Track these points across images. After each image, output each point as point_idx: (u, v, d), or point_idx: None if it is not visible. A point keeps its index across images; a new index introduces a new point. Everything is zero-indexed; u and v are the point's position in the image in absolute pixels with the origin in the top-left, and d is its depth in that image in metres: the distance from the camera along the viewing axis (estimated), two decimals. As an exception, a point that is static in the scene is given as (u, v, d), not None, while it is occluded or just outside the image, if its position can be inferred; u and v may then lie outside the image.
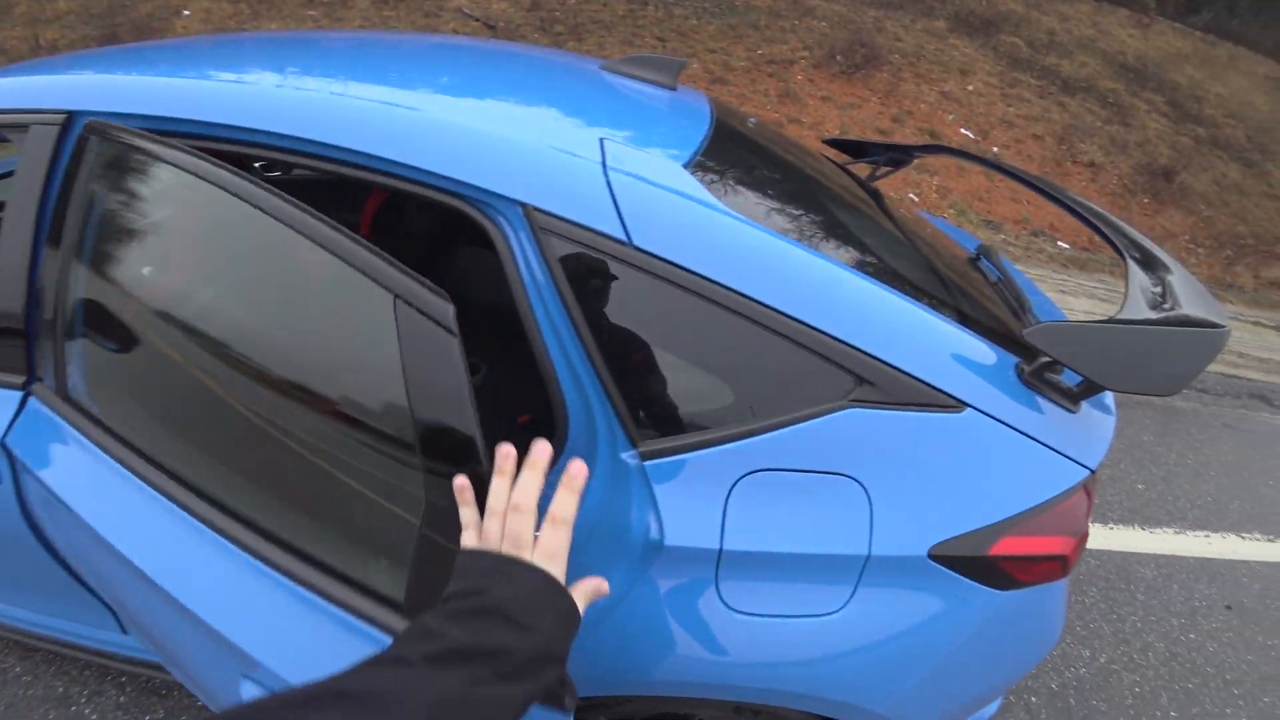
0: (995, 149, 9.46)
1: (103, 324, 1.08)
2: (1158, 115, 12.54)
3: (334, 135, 0.92)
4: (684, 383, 0.93)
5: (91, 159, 1.01)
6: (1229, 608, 2.55)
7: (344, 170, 0.92)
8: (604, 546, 0.92)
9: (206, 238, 1.04)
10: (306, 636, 0.91)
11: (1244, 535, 3.02)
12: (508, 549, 0.64)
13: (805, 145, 1.81)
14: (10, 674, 1.65)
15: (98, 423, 1.05)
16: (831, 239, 1.16)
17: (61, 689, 1.63)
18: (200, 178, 0.91)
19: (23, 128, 1.05)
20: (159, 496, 0.98)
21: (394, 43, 1.43)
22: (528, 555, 0.64)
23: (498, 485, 0.68)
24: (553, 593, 0.63)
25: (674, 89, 1.40)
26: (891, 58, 10.35)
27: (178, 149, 0.93)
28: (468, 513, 0.69)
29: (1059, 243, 7.36)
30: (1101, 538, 2.74)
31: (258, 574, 0.93)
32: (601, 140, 0.95)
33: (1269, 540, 3.05)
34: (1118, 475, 3.19)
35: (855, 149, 1.99)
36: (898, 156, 1.93)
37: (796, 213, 1.17)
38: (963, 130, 9.50)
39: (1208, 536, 2.94)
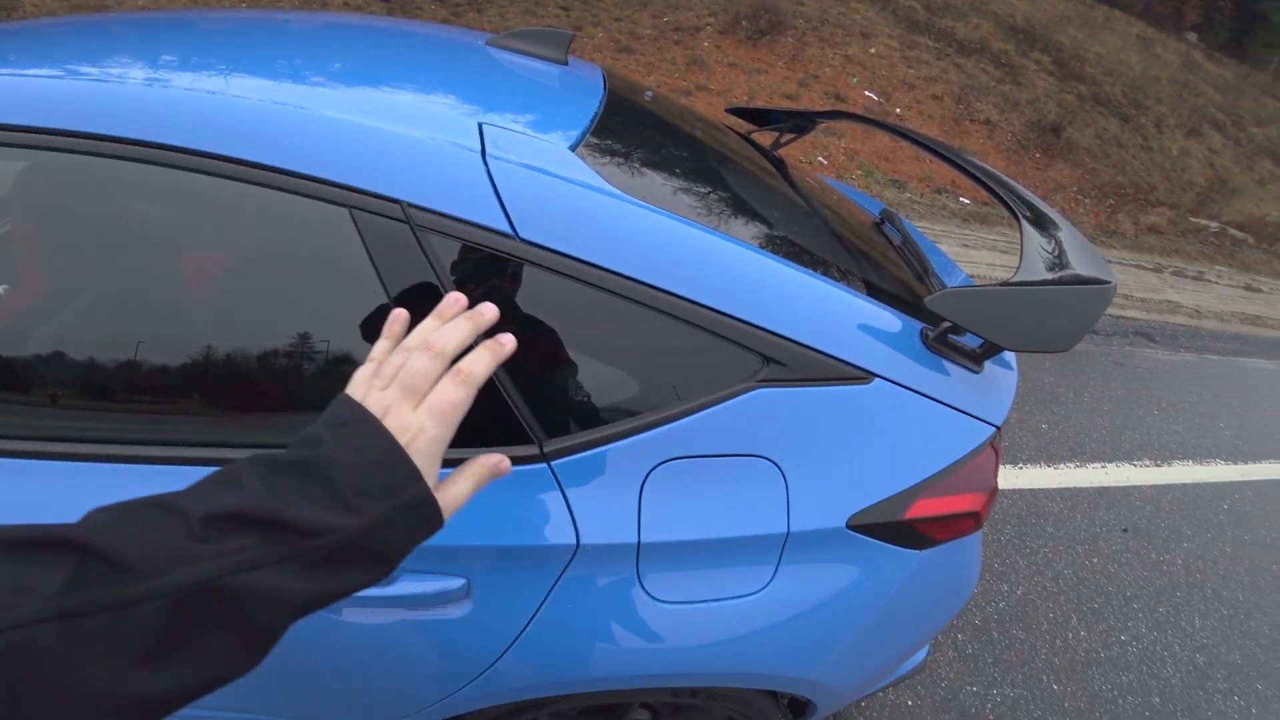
0: (898, 110, 9.76)
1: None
2: (1045, 74, 13.24)
3: (179, 137, 0.79)
4: (586, 377, 0.88)
5: None
6: (1125, 530, 2.77)
7: (192, 172, 0.80)
8: (519, 551, 0.88)
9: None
10: None
11: (1135, 463, 3.27)
12: (393, 393, 0.49)
13: (706, 117, 1.78)
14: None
15: None
16: (732, 216, 1.13)
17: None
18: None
19: None
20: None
21: (261, 24, 1.28)
22: (406, 409, 0.49)
23: (428, 323, 0.55)
24: (402, 474, 0.47)
25: (565, 63, 1.33)
26: (796, 23, 10.45)
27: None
28: (382, 345, 0.55)
29: (961, 199, 7.69)
30: (1013, 478, 2.90)
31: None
32: (481, 125, 0.86)
33: (1157, 465, 3.32)
34: (1024, 417, 3.38)
35: (758, 117, 1.97)
36: (801, 123, 1.93)
37: (695, 191, 1.14)
38: (867, 92, 9.74)
39: (1104, 467, 3.17)
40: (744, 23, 9.53)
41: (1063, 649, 2.14)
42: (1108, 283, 0.98)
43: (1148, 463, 3.30)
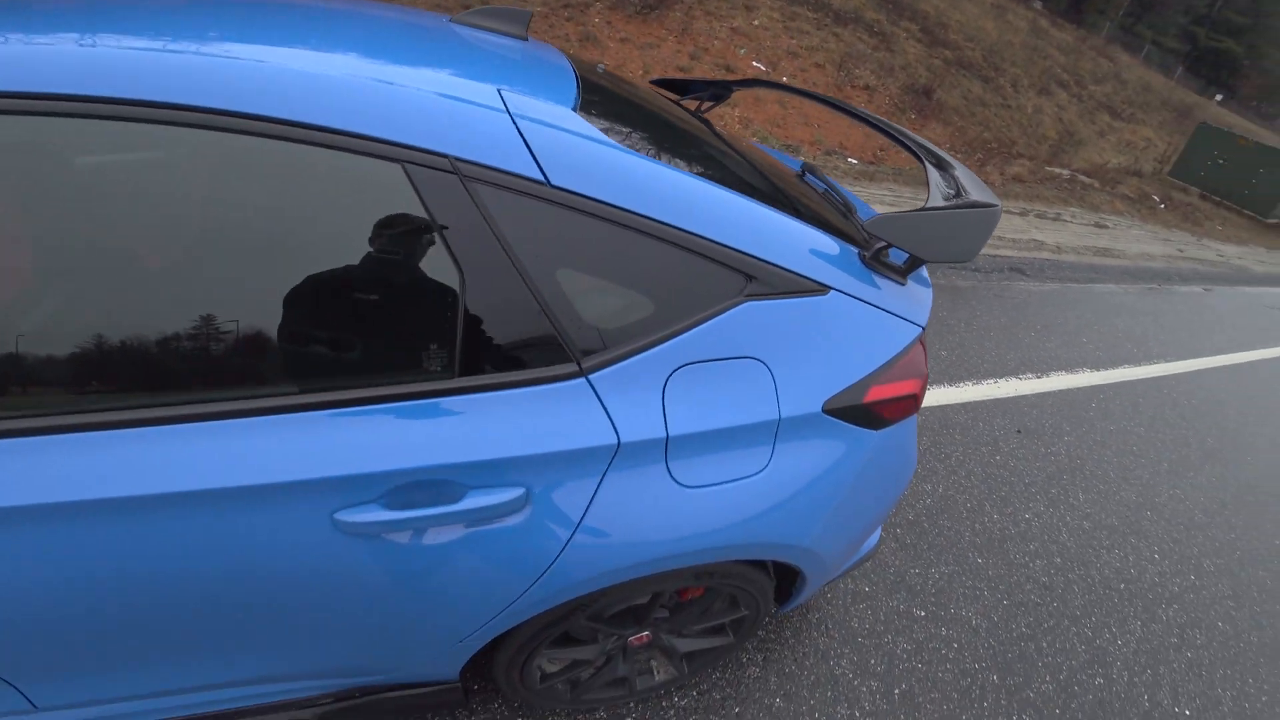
0: (785, 79, 10.23)
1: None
2: (914, 41, 14.17)
3: (237, 101, 0.85)
4: (612, 301, 1.04)
5: None
6: (1019, 431, 3.22)
7: (253, 138, 0.85)
8: (569, 455, 1.03)
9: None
10: (370, 435, 0.92)
11: (1020, 377, 3.77)
12: None
13: (651, 88, 1.94)
14: None
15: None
16: (699, 163, 1.30)
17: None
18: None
19: None
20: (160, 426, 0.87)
21: (267, 6, 1.27)
22: None
23: None
24: None
25: (525, 39, 1.45)
26: (683, -4, 10.69)
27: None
28: None
29: (849, 159, 8.21)
30: (924, 399, 3.30)
31: (307, 421, 0.91)
32: (500, 90, 0.98)
33: (1037, 377, 3.83)
34: (928, 348, 3.81)
35: (680, 88, 2.15)
36: (718, 92, 2.12)
37: (667, 144, 1.30)
38: (755, 63, 10.13)
39: (996, 382, 3.63)
40: (633, -3, 9.65)
41: (981, 530, 2.51)
42: (995, 205, 1.22)
43: (1030, 376, 3.80)
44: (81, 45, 0.81)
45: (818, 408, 1.19)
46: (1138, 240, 8.50)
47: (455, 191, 0.90)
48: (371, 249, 0.90)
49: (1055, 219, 8.12)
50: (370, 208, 0.90)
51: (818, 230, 1.24)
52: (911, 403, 1.33)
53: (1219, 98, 36.72)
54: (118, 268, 0.83)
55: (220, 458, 0.86)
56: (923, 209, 1.19)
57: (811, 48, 11.22)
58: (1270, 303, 7.65)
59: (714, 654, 1.59)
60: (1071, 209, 9.05)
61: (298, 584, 0.96)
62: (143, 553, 0.87)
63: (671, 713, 1.65)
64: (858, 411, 1.24)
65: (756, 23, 11.27)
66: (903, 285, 1.31)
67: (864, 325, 1.24)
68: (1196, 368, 4.76)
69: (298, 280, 0.88)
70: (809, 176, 1.87)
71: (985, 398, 3.43)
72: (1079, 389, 3.84)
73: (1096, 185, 11.05)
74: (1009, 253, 6.10)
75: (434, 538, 0.98)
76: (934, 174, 1.40)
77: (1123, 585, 2.46)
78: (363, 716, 1.30)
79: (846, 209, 1.62)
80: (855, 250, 1.28)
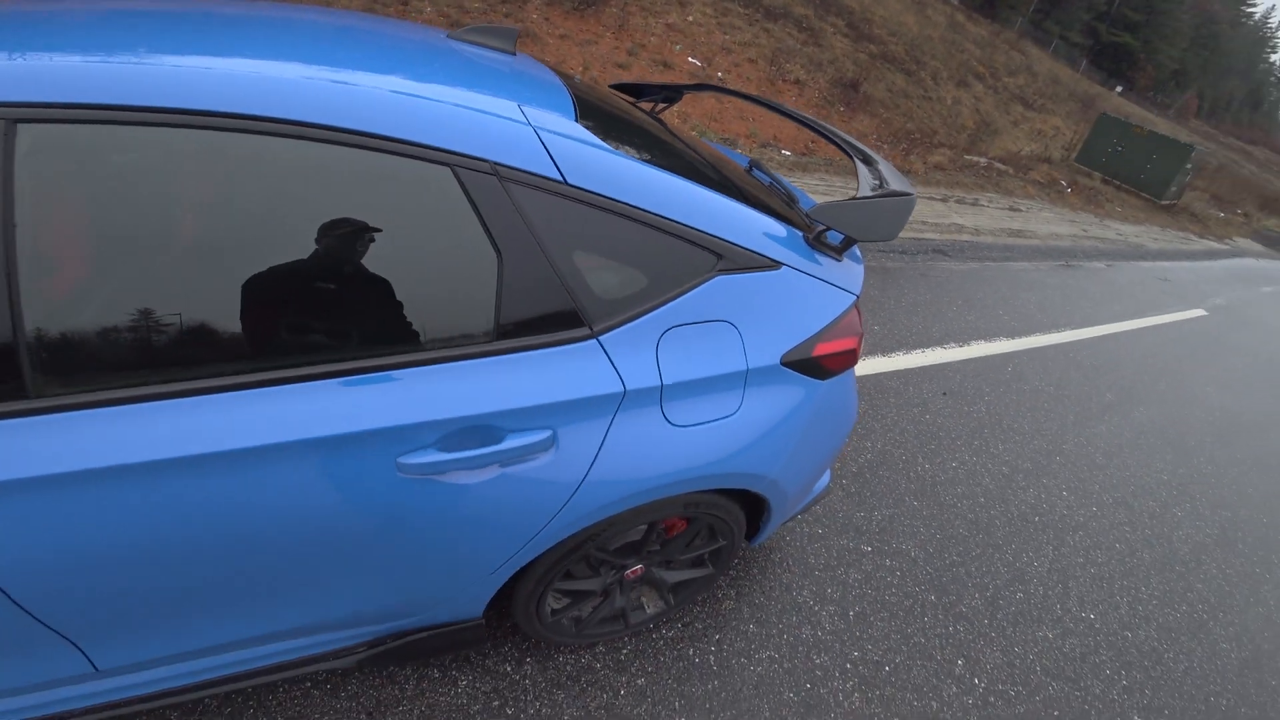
0: (720, 74, 10.55)
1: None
2: (841, 36, 14.77)
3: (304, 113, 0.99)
4: (614, 277, 1.26)
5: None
6: (945, 394, 3.60)
7: (329, 146, 1.00)
8: (586, 401, 1.25)
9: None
10: (427, 390, 1.10)
11: (944, 346, 4.16)
12: None
13: (620, 94, 2.15)
14: None
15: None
16: (671, 161, 1.53)
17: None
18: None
19: None
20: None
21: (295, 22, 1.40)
22: None
23: None
24: None
25: (514, 54, 1.64)
26: (618, -7, 10.88)
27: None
28: None
29: (783, 151, 8.60)
30: (859, 369, 3.62)
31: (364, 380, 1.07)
32: (520, 107, 1.17)
33: (959, 346, 4.24)
34: (862, 316, 4.16)
35: (636, 91, 2.38)
36: (670, 95, 2.36)
37: (645, 146, 1.52)
38: (690, 59, 10.43)
39: (923, 351, 4.01)
40: (570, -6, 9.78)
41: (915, 478, 2.84)
42: (911, 194, 1.50)
43: (953, 345, 4.21)
44: (220, 68, 0.98)
45: (777, 360, 1.44)
46: (1048, 222, 9.22)
47: (496, 190, 1.11)
48: (432, 237, 1.09)
49: (974, 204, 8.73)
50: (427, 203, 1.09)
51: (769, 217, 1.49)
52: (851, 357, 1.60)
53: (1119, 89, 39.45)
54: (235, 250, 0.99)
55: (310, 414, 1.04)
56: (853, 198, 1.46)
57: (744, 43, 11.58)
58: (1161, 275, 8.46)
59: (697, 585, 1.83)
60: (988, 194, 9.71)
61: (361, 527, 1.14)
62: (239, 502, 1.04)
63: (661, 643, 1.88)
64: (808, 364, 1.50)
65: (691, 19, 11.55)
66: (839, 261, 1.57)
67: (810, 294, 1.50)
68: (1099, 334, 5.31)
69: (377, 264, 1.07)
70: (755, 171, 2.12)
71: (914, 365, 3.80)
72: (997, 355, 4.28)
73: (1011, 172, 11.84)
74: (932, 236, 6.57)
75: (478, 476, 1.18)
76: (862, 168, 1.68)
77: (1036, 518, 2.84)
78: (396, 659, 1.48)
79: (789, 199, 1.88)
80: (799, 233, 1.54)
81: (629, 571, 1.66)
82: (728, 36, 11.58)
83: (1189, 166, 14.42)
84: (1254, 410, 4.80)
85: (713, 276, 1.35)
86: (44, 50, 0.93)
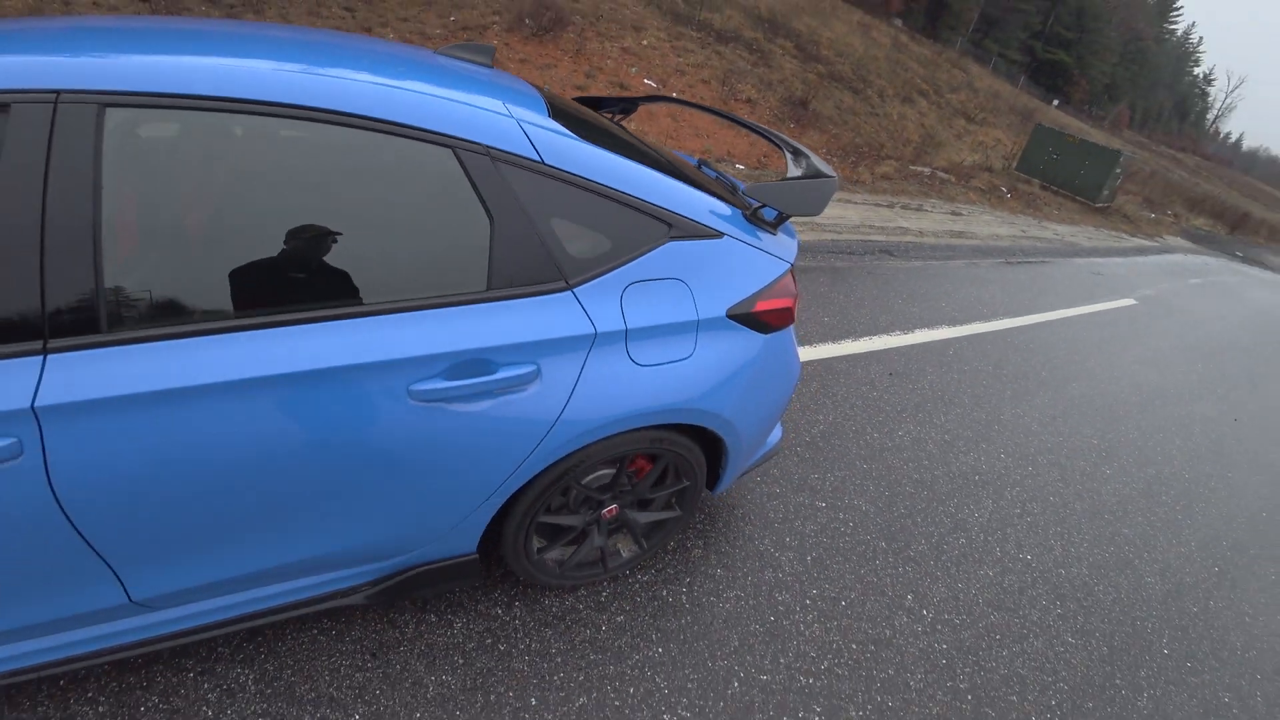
0: (675, 93, 10.99)
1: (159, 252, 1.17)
2: (789, 57, 15.43)
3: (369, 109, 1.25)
4: (585, 240, 1.48)
5: (89, 131, 1.07)
6: (891, 374, 3.88)
7: (363, 132, 1.25)
8: (565, 340, 1.44)
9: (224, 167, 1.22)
10: (436, 328, 1.32)
11: (890, 334, 4.46)
12: None
13: (577, 102, 2.41)
14: None
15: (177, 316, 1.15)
16: (630, 151, 1.77)
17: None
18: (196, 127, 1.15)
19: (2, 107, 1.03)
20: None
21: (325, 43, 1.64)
22: None
23: None
24: None
25: (492, 67, 1.89)
26: (574, 19, 11.26)
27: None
28: None
29: (737, 164, 8.99)
30: (811, 354, 3.87)
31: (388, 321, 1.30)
32: (505, 104, 1.43)
33: (905, 333, 4.55)
34: (812, 315, 4.44)
35: (595, 104, 2.65)
36: (627, 106, 2.63)
37: (606, 138, 1.76)
38: (646, 80, 10.85)
39: (871, 339, 4.30)
40: (528, 20, 10.12)
41: (865, 445, 3.09)
42: (833, 176, 1.77)
43: (899, 333, 4.52)
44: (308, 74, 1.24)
45: (722, 313, 1.68)
46: (988, 224, 9.76)
47: (488, 167, 1.34)
48: (438, 204, 1.33)
49: (918, 209, 9.21)
50: (434, 177, 1.32)
51: (713, 198, 1.74)
52: (788, 315, 1.84)
53: (1056, 102, 41.50)
54: (292, 211, 1.23)
55: (344, 345, 1.25)
56: (783, 179, 1.71)
57: (697, 65, 12.06)
58: (1094, 270, 9.02)
59: (667, 528, 2.03)
60: (932, 200, 10.25)
61: (376, 449, 1.34)
62: (277, 426, 1.23)
63: (636, 586, 2.08)
64: (750, 319, 1.74)
65: (645, 43, 11.98)
66: (774, 235, 1.83)
67: (750, 260, 1.74)
68: (1034, 321, 5.71)
69: (396, 224, 1.30)
70: (704, 167, 2.39)
71: (863, 350, 4.09)
72: (939, 340, 4.60)
73: (954, 180, 12.47)
74: (879, 238, 6.97)
75: (476, 406, 1.39)
76: (790, 158, 1.94)
77: (976, 477, 3.11)
78: (399, 594, 1.66)
79: (732, 189, 2.14)
80: (740, 211, 1.79)
81: (605, 511, 1.86)
82: (681, 59, 12.05)
83: (1118, 171, 15.34)
84: (1177, 384, 5.21)
85: (665, 243, 1.58)
86: (124, 52, 1.15)
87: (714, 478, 2.02)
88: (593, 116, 2.04)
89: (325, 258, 1.25)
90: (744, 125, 2.24)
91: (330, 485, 1.34)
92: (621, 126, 2.30)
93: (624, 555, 2.02)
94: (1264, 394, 5.59)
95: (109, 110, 1.09)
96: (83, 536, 1.22)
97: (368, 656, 1.74)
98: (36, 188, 1.05)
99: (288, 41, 1.42)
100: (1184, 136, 74.86)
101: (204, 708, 1.60)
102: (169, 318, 1.15)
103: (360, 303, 1.28)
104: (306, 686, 1.66)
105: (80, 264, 1.08)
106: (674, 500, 2.00)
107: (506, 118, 1.41)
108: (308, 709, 1.62)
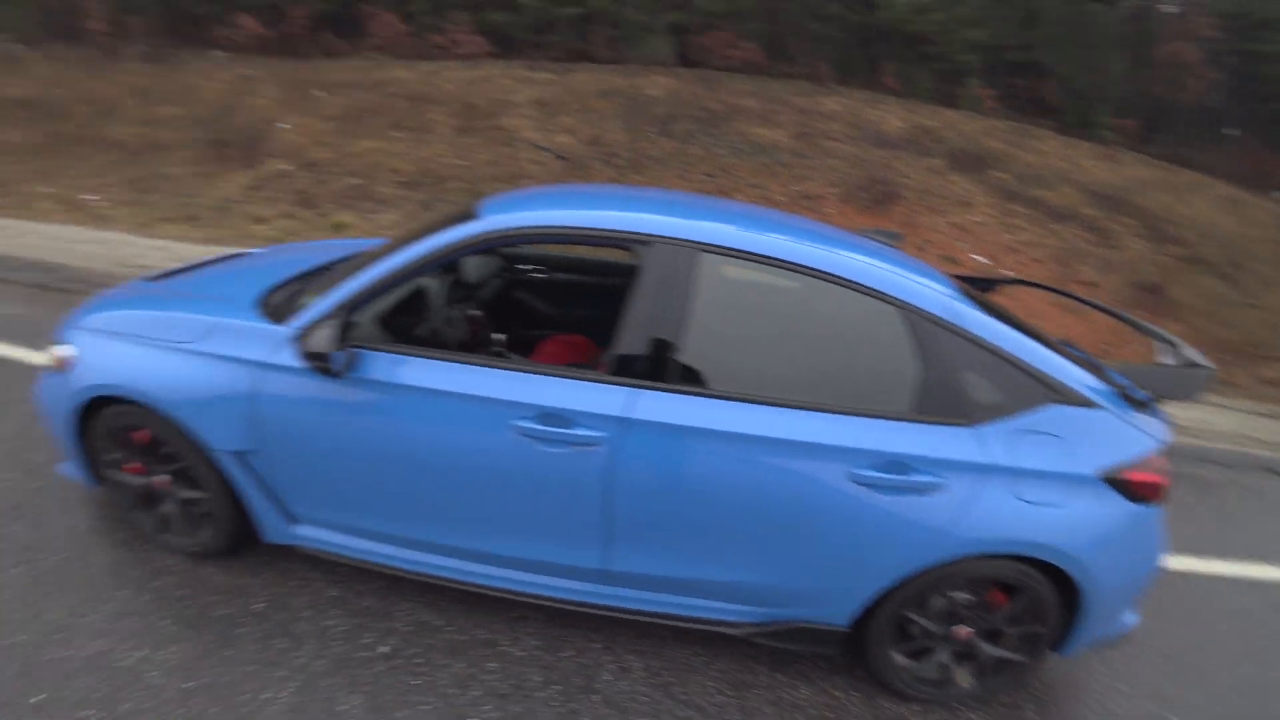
0: (1008, 272, 10.80)
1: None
2: (1136, 237, 14.11)
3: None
4: (985, 392, 1.92)
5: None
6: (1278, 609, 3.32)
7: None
8: (963, 467, 1.87)
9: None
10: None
11: (1272, 563, 3.82)
12: None
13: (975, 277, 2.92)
14: (430, 625, 2.25)
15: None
16: (1018, 325, 2.15)
17: (484, 634, 2.27)
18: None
19: (645, 242, 1.90)
20: None
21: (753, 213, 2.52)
22: None
23: None
24: None
25: (896, 244, 2.50)
26: (904, 193, 12.00)
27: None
28: None
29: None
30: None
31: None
32: (929, 280, 2.04)
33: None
34: (1170, 525, 3.99)
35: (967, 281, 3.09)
36: (985, 285, 2.97)
37: (1002, 313, 2.17)
38: (975, 256, 10.90)
39: (1246, 564, 3.71)
40: (861, 193, 11.13)
41: (1237, 676, 2.73)
42: (1210, 368, 1.94)
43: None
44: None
45: (1093, 472, 1.89)
46: None
47: (924, 325, 1.88)
48: (887, 345, 1.92)
49: (1318, 427, 7.51)
50: (887, 328, 1.91)
51: (1087, 373, 2.01)
52: (1157, 489, 1.97)
53: None
54: (792, 337, 1.99)
55: (821, 428, 1.87)
56: (1155, 364, 1.94)
57: (1029, 243, 11.76)
58: None
59: (1010, 670, 2.15)
60: (1339, 419, 8.23)
61: (814, 509, 1.90)
62: (758, 476, 1.89)
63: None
64: (1119, 483, 1.93)
65: (974, 218, 12.14)
66: (1144, 415, 2.00)
67: (1121, 432, 1.97)
68: None
69: (861, 353, 2.00)
70: (1069, 348, 2.63)
71: (1237, 575, 3.60)
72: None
73: (1375, 398, 9.85)
74: (1263, 452, 5.90)
75: (892, 498, 1.87)
76: (1163, 347, 2.13)
77: None
78: (772, 638, 2.10)
79: (1099, 368, 2.35)
80: (1111, 389, 2.01)
81: (958, 629, 2.07)
82: (1011, 236, 11.88)
83: None
84: None
85: (1048, 405, 1.90)
86: (703, 219, 1.98)
87: (1064, 637, 2.10)
88: (981, 295, 2.47)
89: (816, 366, 1.88)
90: (1116, 316, 2.44)
91: (772, 529, 1.88)
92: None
93: (962, 686, 2.17)
94: None
95: (702, 254, 1.90)
96: (608, 512, 1.91)
97: (728, 686, 2.17)
98: (659, 294, 1.86)
99: (799, 229, 2.15)
100: None
101: (603, 672, 2.17)
102: (707, 384, 1.90)
103: (832, 404, 1.88)
104: (679, 689, 2.14)
105: (670, 338, 1.86)
106: (1022, 646, 2.12)
107: (933, 290, 1.95)
108: (679, 706, 2.09)
